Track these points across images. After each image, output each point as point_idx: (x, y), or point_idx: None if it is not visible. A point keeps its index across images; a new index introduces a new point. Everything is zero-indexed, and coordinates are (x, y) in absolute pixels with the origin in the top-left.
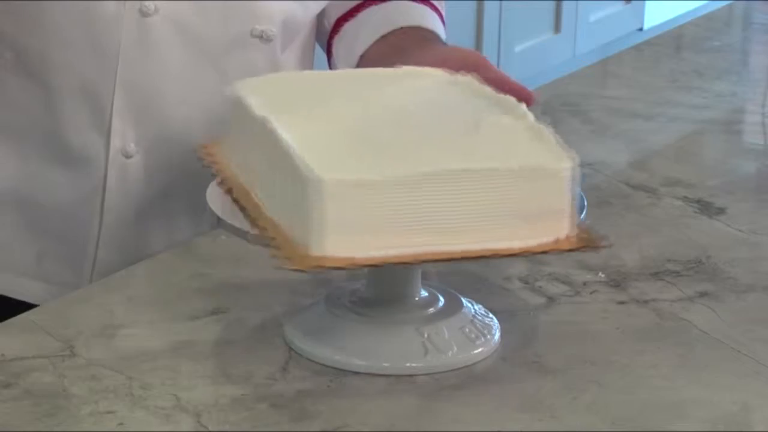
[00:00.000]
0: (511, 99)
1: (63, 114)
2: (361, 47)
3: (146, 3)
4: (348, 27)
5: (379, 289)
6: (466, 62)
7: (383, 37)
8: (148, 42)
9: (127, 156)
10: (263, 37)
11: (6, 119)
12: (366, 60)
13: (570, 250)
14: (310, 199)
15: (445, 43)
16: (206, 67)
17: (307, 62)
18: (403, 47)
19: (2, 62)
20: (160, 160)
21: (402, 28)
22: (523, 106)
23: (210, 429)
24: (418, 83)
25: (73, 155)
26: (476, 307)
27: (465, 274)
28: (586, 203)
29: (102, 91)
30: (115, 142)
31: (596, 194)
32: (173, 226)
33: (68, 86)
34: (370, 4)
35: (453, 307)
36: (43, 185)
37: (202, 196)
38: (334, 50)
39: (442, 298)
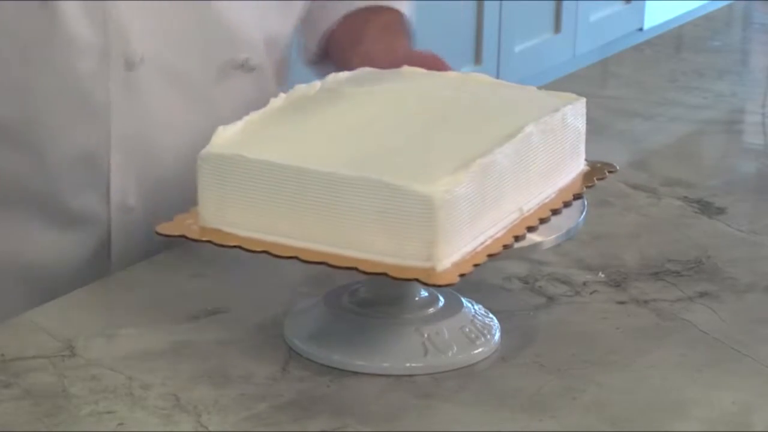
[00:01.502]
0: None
1: (59, 179)
2: (324, 26)
3: (131, 57)
4: (312, 9)
5: (379, 289)
6: (423, 65)
7: (347, 17)
8: (137, 94)
9: (129, 210)
10: (246, 67)
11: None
12: (330, 43)
13: (438, 285)
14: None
15: (406, 30)
16: (196, 106)
17: (282, 77)
18: (361, 38)
19: None
20: (161, 207)
21: (367, 9)
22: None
23: (210, 429)
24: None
25: (74, 216)
26: (476, 307)
27: None
28: (586, 203)
29: (98, 151)
30: (116, 199)
31: (596, 194)
32: None
33: (62, 152)
34: None
35: (453, 307)
36: (47, 249)
37: None
38: (298, 36)
39: (442, 298)
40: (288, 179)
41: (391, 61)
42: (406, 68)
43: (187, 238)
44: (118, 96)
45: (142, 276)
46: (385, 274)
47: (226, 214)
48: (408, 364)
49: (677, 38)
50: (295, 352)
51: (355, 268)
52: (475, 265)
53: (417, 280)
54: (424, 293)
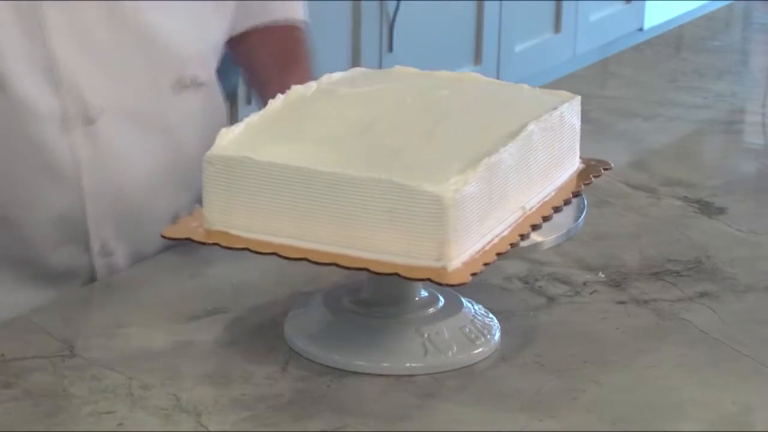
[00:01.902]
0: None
1: (38, 242)
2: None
3: (88, 110)
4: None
5: (379, 290)
6: None
7: (248, 35)
8: (101, 143)
9: (109, 253)
10: (195, 83)
11: None
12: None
13: (452, 285)
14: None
15: (302, 48)
16: (156, 138)
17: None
18: (258, 72)
19: None
20: (141, 242)
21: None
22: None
23: (210, 429)
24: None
25: (57, 272)
26: (476, 307)
27: None
28: (586, 203)
29: (72, 208)
30: (96, 246)
31: (596, 194)
32: None
33: (37, 217)
34: None
35: (453, 307)
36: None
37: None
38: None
39: (442, 298)
40: (296, 180)
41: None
42: (398, 68)
43: (193, 241)
44: (83, 151)
45: (143, 276)
46: (396, 274)
47: (232, 216)
48: (408, 364)
49: (677, 38)
50: (295, 352)
51: (366, 269)
52: (485, 264)
53: (429, 279)
54: (424, 293)
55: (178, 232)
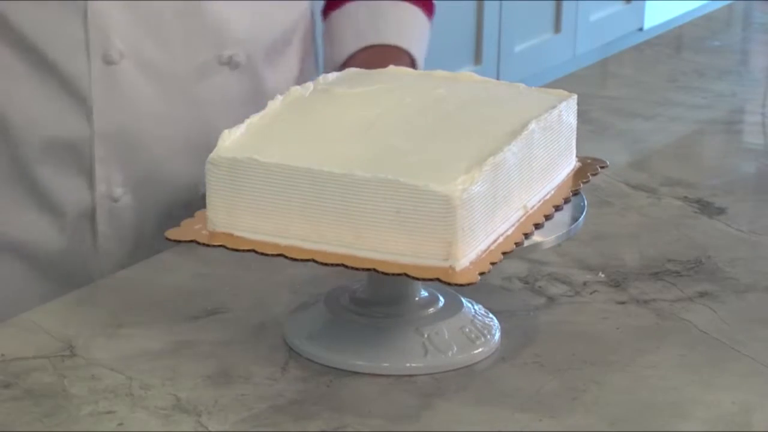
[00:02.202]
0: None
1: (36, 163)
2: (340, 56)
3: (110, 52)
4: (334, 20)
5: (379, 290)
6: None
7: (359, 50)
8: (118, 88)
9: (115, 200)
10: (231, 63)
11: None
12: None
13: (461, 284)
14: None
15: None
16: (180, 101)
17: (307, 69)
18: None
19: None
20: (149, 199)
21: (374, 46)
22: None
23: (210, 429)
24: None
25: (55, 201)
26: (476, 307)
27: None
28: (586, 203)
29: (80, 141)
30: (101, 188)
31: (596, 194)
32: None
33: (38, 136)
34: None
35: (453, 307)
36: (33, 233)
37: None
38: (323, 41)
39: (442, 298)
40: (303, 182)
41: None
42: (392, 67)
43: (198, 243)
44: (98, 89)
45: (142, 276)
46: (404, 275)
47: (237, 217)
48: (408, 364)
49: (677, 38)
50: (295, 352)
51: (374, 270)
52: (493, 264)
53: (438, 279)
54: (424, 293)
55: (182, 234)
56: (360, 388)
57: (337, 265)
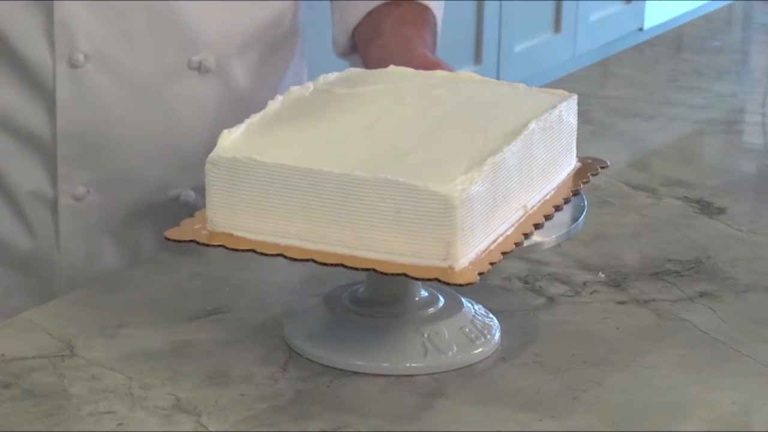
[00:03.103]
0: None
1: (2, 153)
2: (351, 22)
3: (75, 55)
4: None
5: (379, 290)
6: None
7: (369, 13)
8: (83, 90)
9: (77, 199)
10: (201, 68)
11: None
12: (355, 36)
13: (461, 285)
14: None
15: (428, 22)
16: (148, 104)
17: (294, 73)
18: (380, 31)
19: None
20: (115, 199)
21: (390, 3)
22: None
23: (210, 429)
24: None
25: (19, 198)
26: (476, 307)
27: None
28: (586, 203)
29: (43, 137)
30: (63, 186)
31: (596, 194)
32: (135, 256)
33: (3, 127)
34: None
35: (453, 307)
36: None
37: (165, 226)
38: (332, 10)
39: (442, 298)
40: (303, 182)
41: (404, 54)
42: (392, 68)
43: (198, 243)
44: (62, 90)
45: (142, 276)
46: (404, 275)
47: (236, 217)
48: (408, 364)
49: (677, 38)
50: (295, 352)
51: (373, 269)
52: (492, 264)
53: (437, 279)
54: (424, 293)
55: (181, 234)
56: (360, 388)
57: (337, 265)
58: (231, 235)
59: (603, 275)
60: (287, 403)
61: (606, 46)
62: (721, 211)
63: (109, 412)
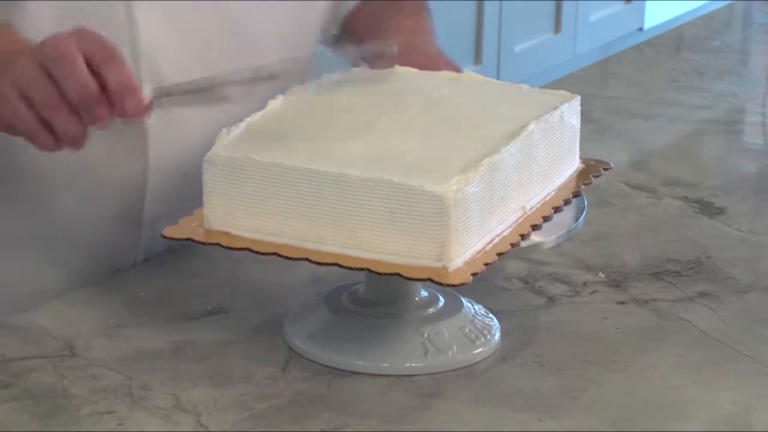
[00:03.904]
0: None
1: (93, 219)
2: (344, 9)
3: (161, 82)
4: None
5: (379, 290)
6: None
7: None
8: (170, 121)
9: (156, 229)
10: (271, 77)
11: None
12: (352, 23)
13: (453, 285)
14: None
15: (427, 11)
16: (223, 122)
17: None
18: (392, 13)
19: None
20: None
21: None
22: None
23: (210, 429)
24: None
25: (103, 249)
26: (476, 307)
27: None
28: (586, 203)
29: (135, 179)
30: (146, 219)
31: (596, 194)
32: None
33: (101, 188)
34: None
35: (453, 307)
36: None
37: None
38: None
39: (442, 298)
40: (299, 181)
41: (409, 53)
42: (398, 68)
43: (194, 241)
44: (151, 123)
45: (142, 276)
46: (397, 275)
47: (233, 216)
48: (408, 364)
49: (677, 38)
50: (295, 352)
51: (368, 269)
52: (486, 264)
53: (430, 280)
54: (424, 293)
55: (178, 232)
56: (360, 388)
57: (331, 264)
58: (227, 233)
59: (603, 275)
60: (287, 403)
61: (606, 46)
62: (721, 211)
63: (109, 412)
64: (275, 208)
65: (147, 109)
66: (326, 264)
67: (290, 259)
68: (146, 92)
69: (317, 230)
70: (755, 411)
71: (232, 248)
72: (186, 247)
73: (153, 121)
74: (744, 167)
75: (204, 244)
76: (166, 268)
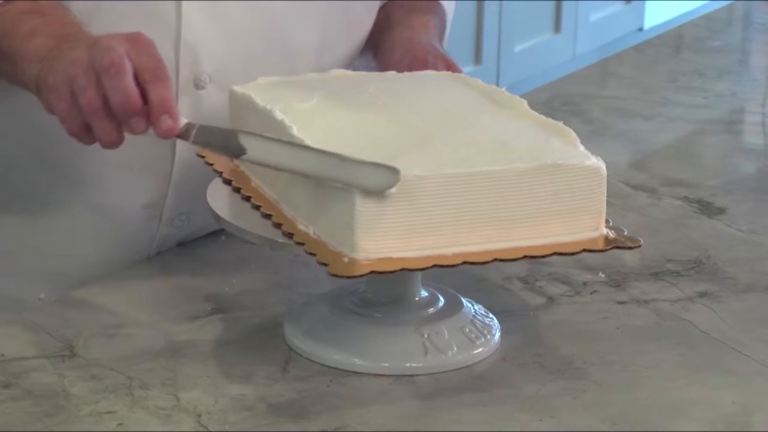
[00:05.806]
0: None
1: (119, 206)
2: None
3: (199, 75)
4: None
5: (380, 290)
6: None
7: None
8: (203, 112)
9: (178, 226)
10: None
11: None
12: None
13: (603, 250)
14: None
15: (436, 11)
16: None
17: None
18: (390, 21)
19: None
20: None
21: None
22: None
23: (210, 429)
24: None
25: (123, 236)
26: (476, 307)
27: (465, 274)
28: None
29: (159, 171)
30: (166, 215)
31: None
32: None
33: (128, 174)
34: None
35: (453, 307)
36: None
37: None
38: None
39: (442, 298)
40: (459, 187)
41: (420, 32)
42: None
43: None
44: (186, 114)
45: (142, 276)
46: (554, 254)
47: (387, 241)
48: (408, 364)
49: (677, 38)
50: (295, 352)
51: (526, 256)
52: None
53: (584, 250)
54: (424, 293)
55: (343, 270)
56: (360, 388)
57: (491, 261)
58: (389, 258)
59: (603, 275)
60: (287, 403)
61: (606, 46)
62: (721, 211)
63: (109, 412)
64: (431, 222)
65: (177, 133)
66: (485, 263)
67: (446, 266)
68: (182, 119)
69: (473, 232)
70: (755, 411)
71: (390, 272)
72: (186, 246)
73: (182, 117)
74: (744, 167)
75: (390, 272)
76: (166, 268)
